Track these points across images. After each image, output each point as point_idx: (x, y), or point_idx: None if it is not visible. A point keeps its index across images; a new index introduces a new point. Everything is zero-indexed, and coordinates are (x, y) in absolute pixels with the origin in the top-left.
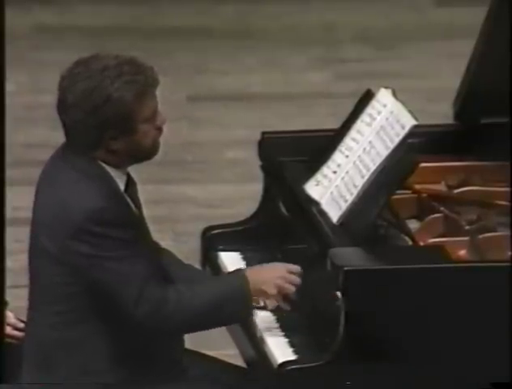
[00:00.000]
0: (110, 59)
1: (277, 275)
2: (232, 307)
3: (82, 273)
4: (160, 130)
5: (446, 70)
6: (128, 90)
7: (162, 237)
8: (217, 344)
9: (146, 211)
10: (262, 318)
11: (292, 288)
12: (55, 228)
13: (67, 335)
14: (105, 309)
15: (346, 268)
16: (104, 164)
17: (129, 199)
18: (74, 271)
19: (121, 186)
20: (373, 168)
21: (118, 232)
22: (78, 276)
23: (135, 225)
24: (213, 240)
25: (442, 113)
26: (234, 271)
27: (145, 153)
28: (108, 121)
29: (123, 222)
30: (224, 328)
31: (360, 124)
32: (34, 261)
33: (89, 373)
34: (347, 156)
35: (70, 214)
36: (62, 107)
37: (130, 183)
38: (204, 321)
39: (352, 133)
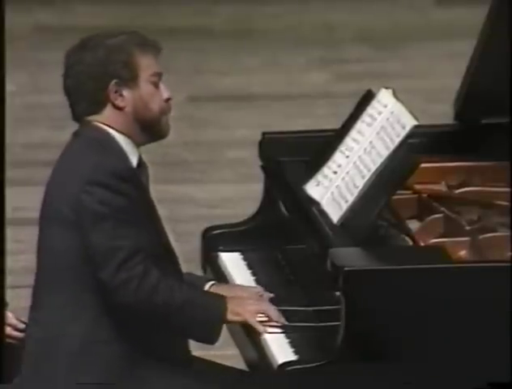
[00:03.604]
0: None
1: (252, 304)
2: (204, 316)
3: (83, 236)
4: (167, 103)
5: (446, 70)
6: (129, 41)
7: None
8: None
9: None
10: None
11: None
12: (68, 186)
13: (76, 310)
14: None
15: (346, 268)
16: (113, 131)
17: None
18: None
19: (134, 161)
20: (373, 168)
21: (131, 188)
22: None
23: (145, 196)
24: (213, 240)
25: (442, 113)
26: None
27: (152, 120)
28: (110, 69)
29: (134, 180)
30: (224, 328)
31: (360, 124)
32: (45, 236)
33: (94, 342)
34: (347, 157)
35: (82, 169)
36: (67, 71)
37: (142, 165)
38: (171, 315)
39: (353, 133)
